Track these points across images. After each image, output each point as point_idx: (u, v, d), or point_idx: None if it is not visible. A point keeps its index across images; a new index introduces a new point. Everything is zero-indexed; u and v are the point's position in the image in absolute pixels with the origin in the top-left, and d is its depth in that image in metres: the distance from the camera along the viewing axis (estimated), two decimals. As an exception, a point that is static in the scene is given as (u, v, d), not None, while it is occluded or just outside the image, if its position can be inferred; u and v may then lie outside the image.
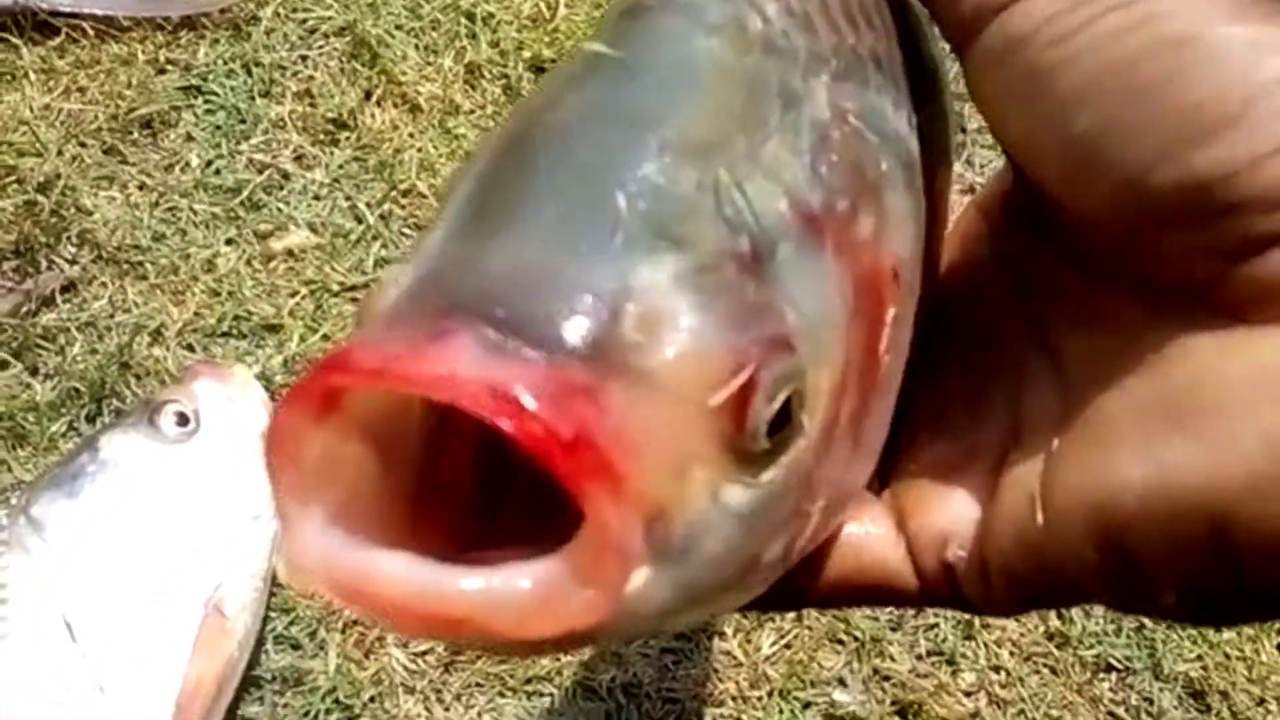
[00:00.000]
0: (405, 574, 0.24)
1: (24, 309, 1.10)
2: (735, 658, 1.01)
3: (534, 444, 0.23)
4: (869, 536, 0.33)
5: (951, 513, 0.32)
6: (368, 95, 1.22)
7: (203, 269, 1.14)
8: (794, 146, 0.28)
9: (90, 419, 1.07)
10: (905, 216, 0.31)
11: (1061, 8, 0.29)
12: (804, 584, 0.32)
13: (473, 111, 1.22)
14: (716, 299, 0.26)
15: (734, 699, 1.01)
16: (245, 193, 1.17)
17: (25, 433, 1.06)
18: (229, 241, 1.15)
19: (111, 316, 1.11)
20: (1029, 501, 0.30)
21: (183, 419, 1.00)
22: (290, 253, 1.15)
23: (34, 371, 1.09)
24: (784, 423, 0.26)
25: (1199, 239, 0.28)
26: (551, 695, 1.00)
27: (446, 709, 1.00)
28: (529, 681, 1.00)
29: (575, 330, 0.24)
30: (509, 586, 0.24)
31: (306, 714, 0.99)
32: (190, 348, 1.11)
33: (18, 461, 1.05)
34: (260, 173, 1.18)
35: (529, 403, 0.23)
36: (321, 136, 1.21)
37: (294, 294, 1.13)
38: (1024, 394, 0.33)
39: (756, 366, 0.25)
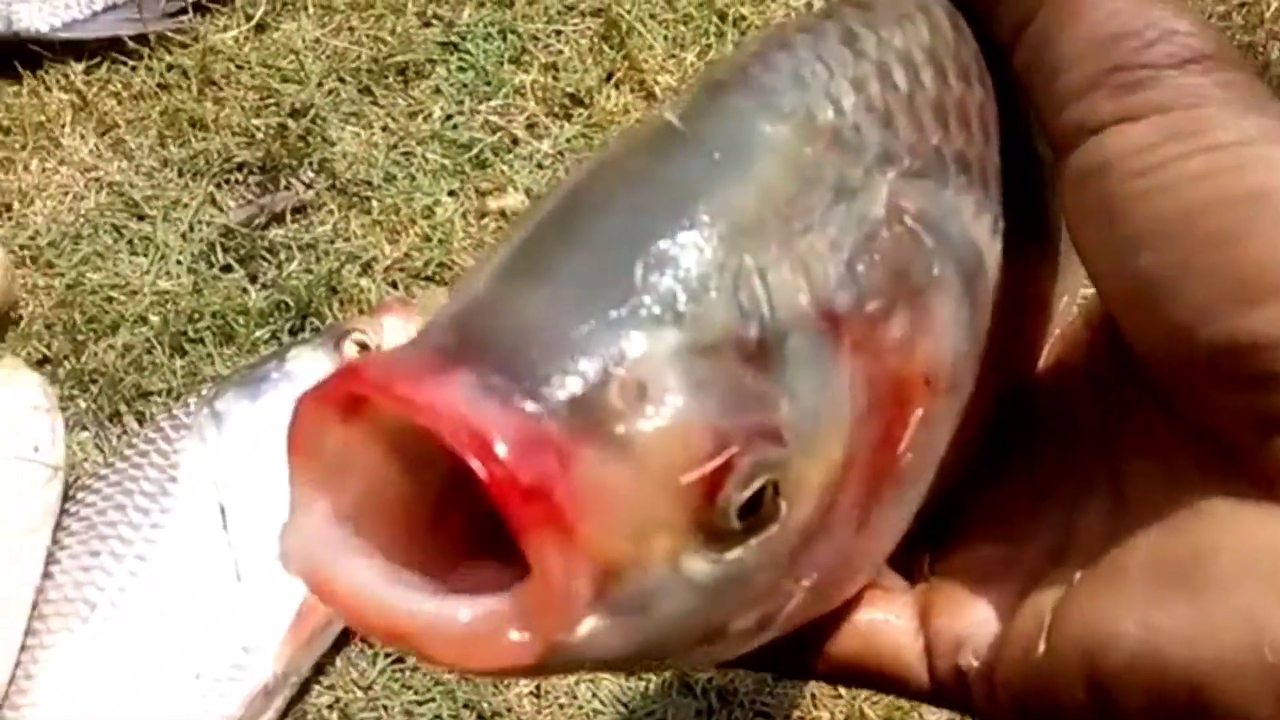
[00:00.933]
0: (366, 585, 0.26)
1: (256, 221, 1.19)
2: (837, 689, 1.01)
3: (494, 485, 0.24)
4: (889, 626, 0.33)
5: (974, 619, 0.32)
6: (608, 77, 1.27)
7: (421, 214, 1.20)
8: (834, 242, 0.29)
9: (292, 332, 1.15)
10: (952, 321, 0.31)
11: (1153, 140, 0.29)
12: (812, 657, 0.33)
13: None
14: (708, 381, 0.26)
15: (824, 727, 1.01)
16: (475, 150, 1.22)
17: (233, 333, 1.15)
18: (451, 193, 1.21)
19: (331, 243, 1.19)
20: (1039, 626, 0.30)
21: (363, 348, 1.06)
22: (503, 213, 1.20)
23: (253, 279, 1.17)
24: (757, 507, 0.27)
25: (1240, 402, 0.28)
26: (648, 680, 1.02)
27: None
28: (630, 661, 1.03)
29: (562, 388, 0.25)
30: (449, 617, 0.26)
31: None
32: (394, 284, 1.18)
33: (221, 358, 1.14)
34: (493, 134, 1.24)
35: (499, 447, 0.24)
36: (557, 109, 1.25)
37: (497, 252, 1.18)
38: (1080, 513, 0.33)
39: (734, 453, 0.26)
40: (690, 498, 0.26)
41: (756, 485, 0.27)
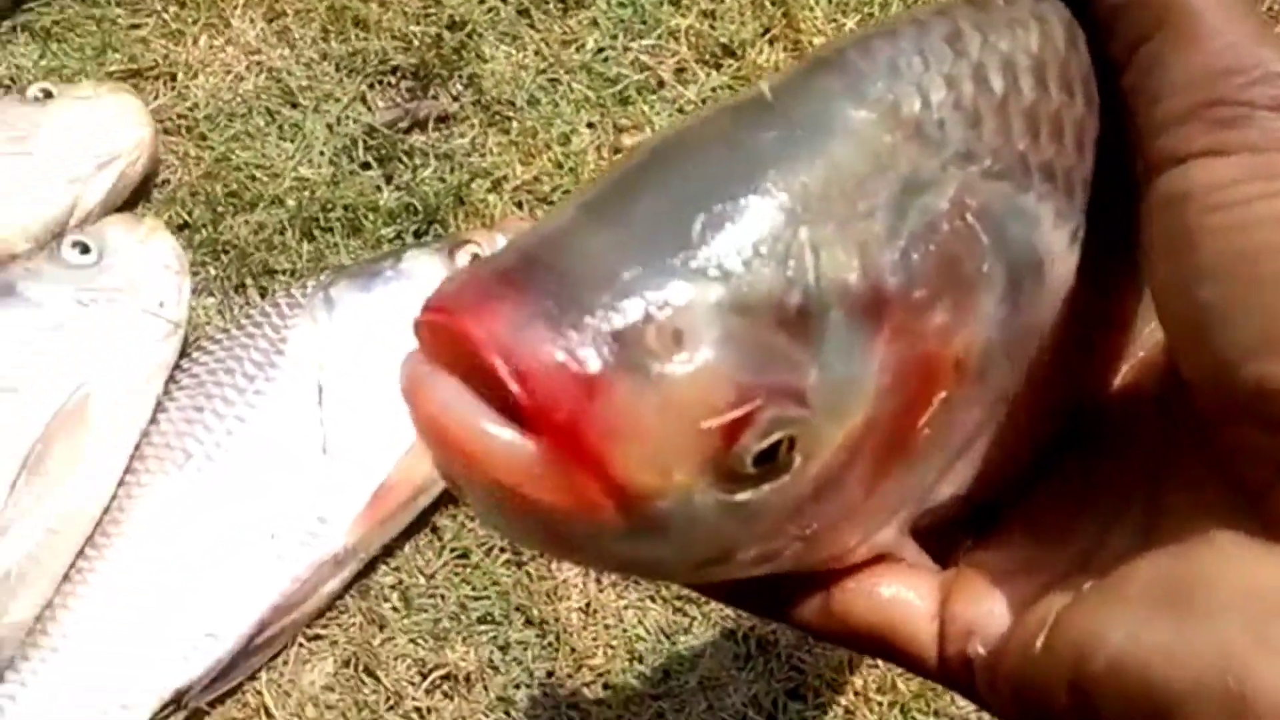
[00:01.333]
0: (454, 403, 0.28)
1: (400, 125, 1.23)
2: (873, 660, 1.02)
3: (527, 408, 0.27)
4: (909, 602, 0.35)
5: (990, 610, 0.34)
6: (765, 32, 1.28)
7: (558, 141, 1.23)
8: (893, 228, 0.30)
9: (416, 234, 1.20)
10: (991, 316, 0.32)
11: (1236, 177, 0.30)
12: (819, 616, 0.36)
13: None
14: (742, 338, 0.28)
15: (857, 694, 1.02)
16: (620, 86, 1.25)
17: (361, 227, 1.20)
18: (589, 125, 1.24)
19: (467, 155, 1.22)
20: (1042, 626, 0.32)
21: (475, 260, 1.10)
22: (636, 150, 1.23)
23: (387, 179, 1.22)
24: (772, 458, 0.29)
25: (1265, 442, 0.29)
26: (694, 619, 1.05)
27: (601, 590, 1.06)
28: (679, 598, 1.05)
29: (604, 323, 0.28)
30: (517, 446, 0.28)
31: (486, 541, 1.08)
32: (520, 205, 1.21)
33: (346, 249, 1.19)
34: (641, 73, 1.26)
35: (533, 371, 0.27)
36: (707, 57, 1.27)
37: (622, 186, 1.20)
38: (1114, 529, 0.34)
39: (755, 407, 0.28)
40: (708, 441, 0.28)
41: (774, 439, 0.29)
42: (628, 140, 1.24)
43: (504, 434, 0.28)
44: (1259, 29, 0.31)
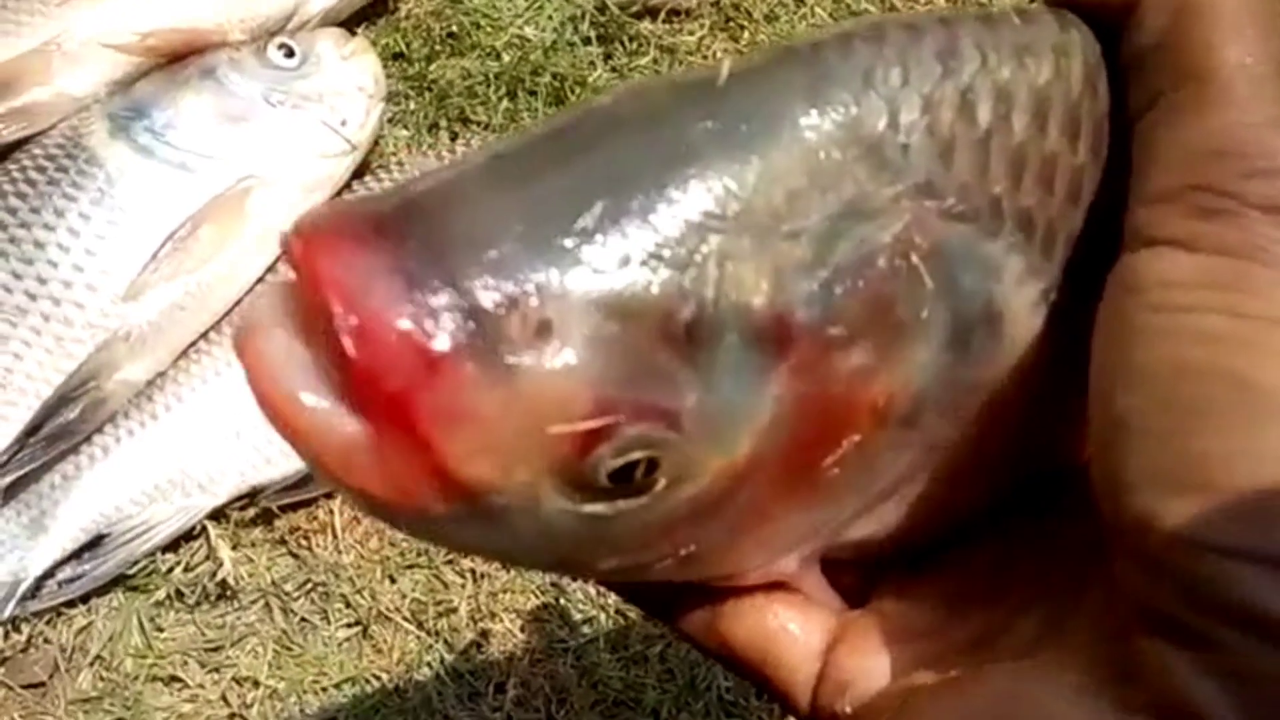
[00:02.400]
0: (287, 367, 0.25)
1: (633, 7, 1.22)
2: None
3: (358, 372, 0.24)
4: (794, 640, 0.32)
5: (870, 668, 0.32)
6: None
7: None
8: (820, 255, 0.27)
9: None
10: (925, 366, 0.28)
11: (1192, 279, 0.26)
12: (702, 631, 0.33)
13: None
14: (616, 345, 0.25)
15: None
16: (863, 22, 1.20)
17: (564, 99, 1.19)
18: None
19: (690, 53, 1.20)
20: (894, 703, 0.30)
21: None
22: None
23: (605, 58, 1.21)
24: (629, 477, 0.26)
25: (1131, 579, 0.26)
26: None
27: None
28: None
29: (466, 297, 0.25)
30: (335, 427, 0.25)
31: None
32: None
33: (544, 116, 1.19)
34: (888, 12, 1.20)
35: (375, 336, 0.24)
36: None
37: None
38: (1028, 613, 0.31)
39: (615, 421, 0.25)
40: (556, 447, 0.25)
41: (632, 457, 0.26)
42: None
43: (325, 410, 0.25)
44: None
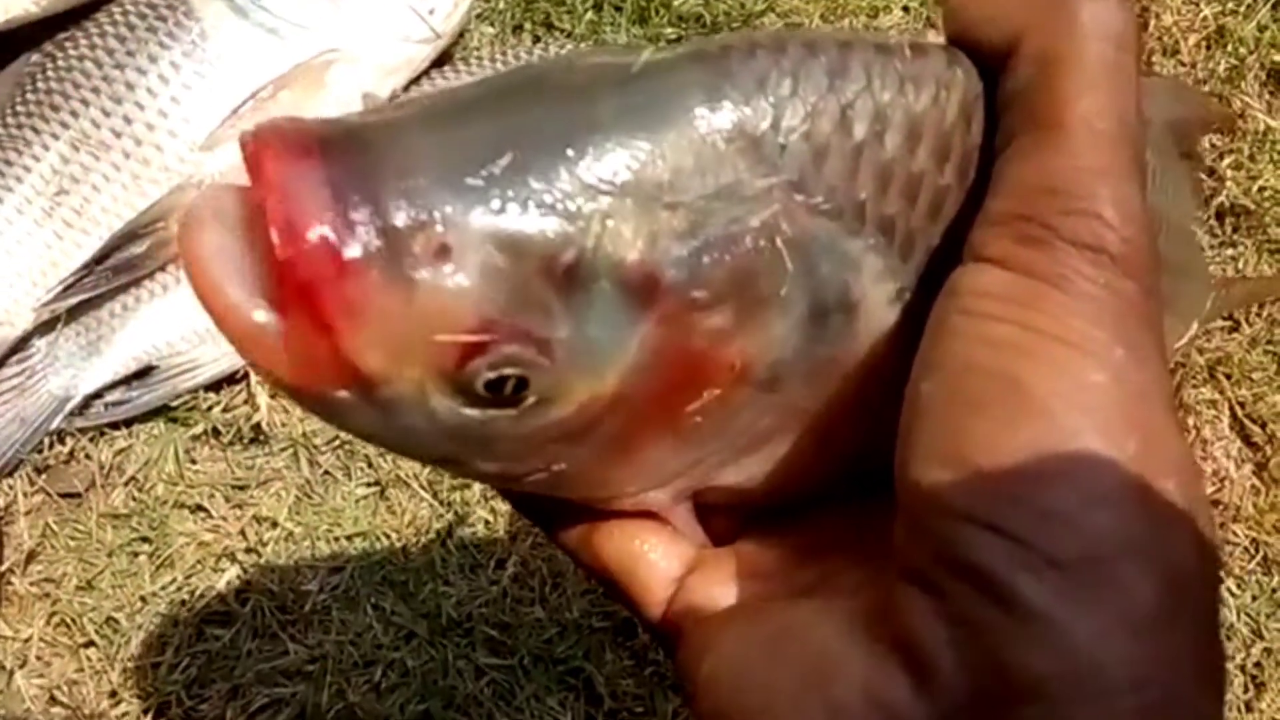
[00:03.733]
0: (218, 254, 0.29)
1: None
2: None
3: (281, 259, 0.28)
4: (654, 564, 0.37)
5: (713, 595, 0.36)
6: None
7: (867, 10, 1.21)
8: (694, 226, 0.30)
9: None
10: (784, 338, 0.32)
11: (997, 292, 0.30)
12: (577, 543, 0.38)
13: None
14: (503, 275, 0.29)
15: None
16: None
17: (649, 19, 1.23)
18: (905, 8, 1.22)
19: (774, -10, 1.23)
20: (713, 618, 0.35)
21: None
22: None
23: (691, -16, 1.24)
24: (500, 389, 0.31)
25: (901, 539, 0.31)
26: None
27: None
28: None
29: (381, 215, 0.29)
30: (248, 312, 0.29)
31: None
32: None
33: (627, 32, 1.22)
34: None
35: (299, 231, 0.28)
36: None
37: None
38: (852, 569, 0.35)
39: (490, 339, 0.30)
40: (441, 352, 0.30)
41: (505, 373, 0.30)
42: (931, 35, 1.20)
43: (247, 299, 0.29)
44: (1112, 164, 0.30)
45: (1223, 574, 1.07)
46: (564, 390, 0.31)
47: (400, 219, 0.29)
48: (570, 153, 0.30)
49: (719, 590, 0.36)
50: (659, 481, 0.36)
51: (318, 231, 0.28)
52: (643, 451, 0.34)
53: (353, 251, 0.29)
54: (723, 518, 0.38)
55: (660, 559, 0.37)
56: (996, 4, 0.32)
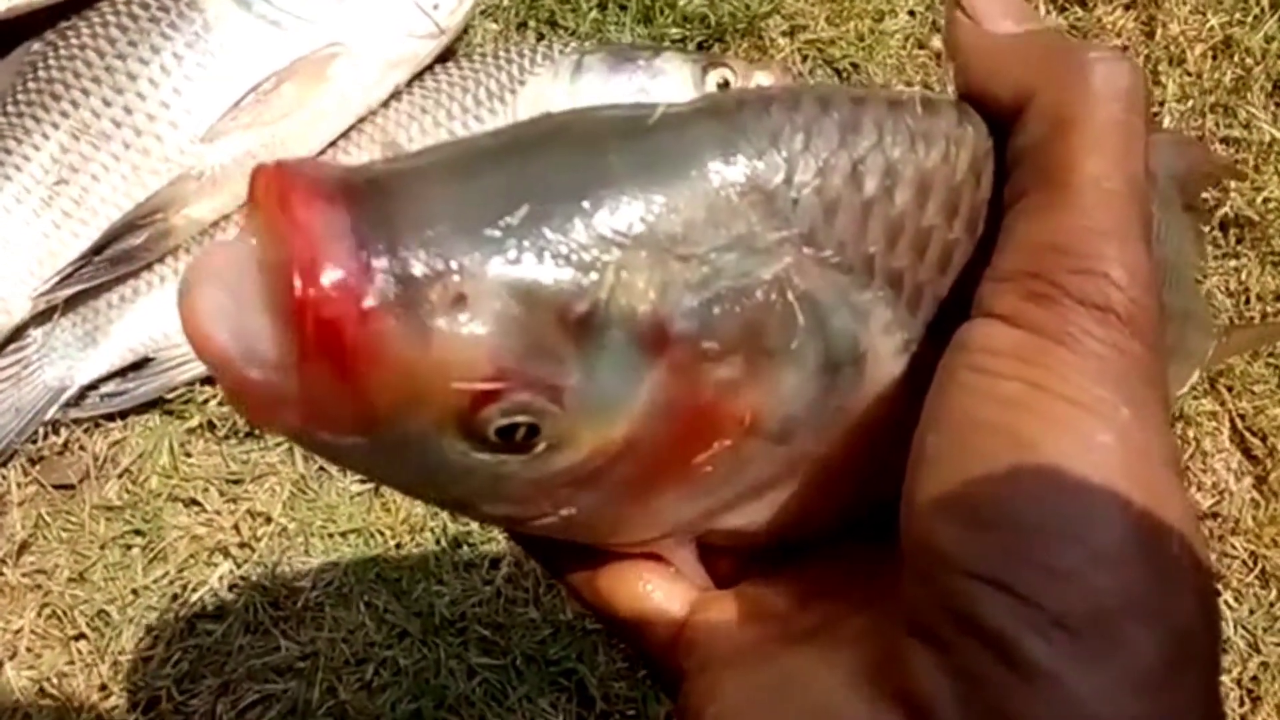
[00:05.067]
0: (216, 302, 0.29)
1: (733, -61, 1.24)
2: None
3: (299, 304, 0.28)
4: (661, 606, 0.37)
5: (717, 638, 0.36)
6: (1130, 5, 1.21)
7: (873, 15, 1.21)
8: (706, 278, 0.31)
9: (700, 45, 1.21)
10: (794, 391, 0.33)
11: (1005, 349, 0.30)
12: (585, 586, 0.38)
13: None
14: (518, 323, 0.30)
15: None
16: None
17: (653, 19, 1.22)
18: (910, 12, 1.22)
19: (780, -8, 1.22)
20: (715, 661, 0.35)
21: (724, 86, 1.11)
22: (936, 55, 1.19)
23: (697, -15, 1.24)
24: (512, 435, 0.31)
25: (911, 593, 0.30)
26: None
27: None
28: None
29: (400, 265, 0.29)
30: (243, 364, 0.29)
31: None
32: (804, 58, 1.20)
33: (631, 31, 1.22)
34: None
35: (318, 277, 0.28)
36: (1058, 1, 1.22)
37: None
38: (854, 617, 0.35)
39: (504, 387, 0.30)
40: (455, 398, 0.30)
41: (517, 419, 0.30)
42: (936, 42, 1.20)
43: (251, 351, 0.29)
44: (1120, 224, 0.30)
45: (1220, 587, 1.06)
46: (574, 437, 0.31)
47: (419, 268, 0.29)
48: (585, 205, 0.30)
49: (721, 633, 0.36)
50: (667, 528, 0.36)
51: (341, 276, 0.29)
52: (651, 499, 0.34)
53: (373, 298, 0.29)
54: (726, 559, 0.38)
55: (664, 600, 0.37)
56: (1007, 62, 0.33)
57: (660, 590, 0.37)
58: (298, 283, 0.28)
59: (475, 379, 0.30)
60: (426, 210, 0.30)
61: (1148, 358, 0.30)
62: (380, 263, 0.29)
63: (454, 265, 0.29)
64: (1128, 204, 0.30)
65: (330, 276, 0.28)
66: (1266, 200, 1.17)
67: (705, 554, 0.38)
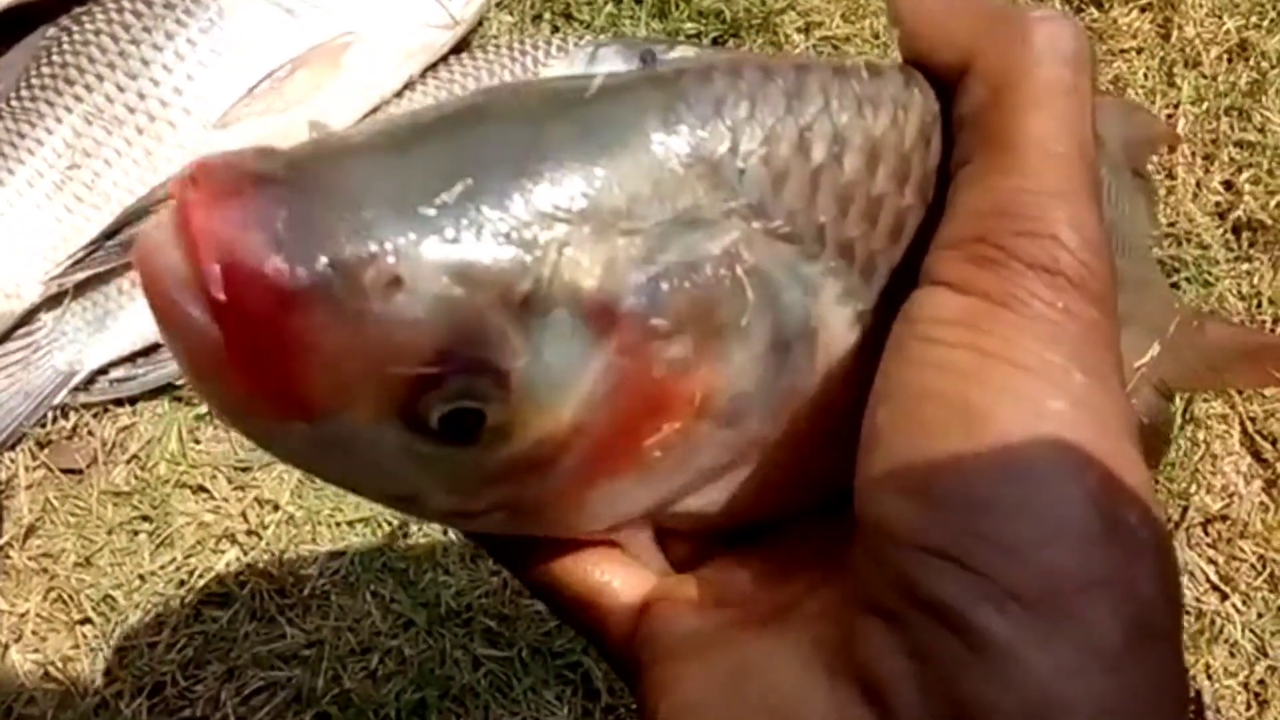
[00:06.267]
0: (175, 274, 0.27)
1: (749, -66, 1.24)
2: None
3: (220, 302, 0.27)
4: (617, 595, 0.36)
5: (676, 625, 0.35)
6: (1146, 8, 1.21)
7: (881, 10, 1.21)
8: (650, 253, 0.29)
9: (715, 40, 1.21)
10: (744, 369, 0.31)
11: (953, 318, 0.29)
12: (539, 576, 0.37)
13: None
14: (457, 305, 0.28)
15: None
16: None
17: (668, 13, 1.22)
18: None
19: (795, -12, 1.22)
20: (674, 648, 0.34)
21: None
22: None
23: (712, -20, 1.23)
24: (457, 423, 0.29)
25: (862, 569, 0.30)
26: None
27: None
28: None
29: (329, 247, 0.27)
30: (210, 338, 0.28)
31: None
32: (817, 51, 1.20)
33: (645, 25, 1.22)
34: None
35: (239, 269, 0.27)
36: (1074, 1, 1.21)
37: None
38: (815, 594, 0.34)
39: (444, 371, 0.28)
40: (393, 386, 0.29)
41: (461, 405, 0.29)
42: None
43: (201, 326, 0.28)
44: (1068, 187, 0.29)
45: (1229, 590, 1.06)
46: (521, 423, 0.30)
47: (349, 251, 0.27)
48: (525, 179, 0.29)
49: (680, 620, 0.35)
50: (619, 516, 0.35)
51: (265, 269, 0.27)
52: (601, 486, 0.32)
53: (300, 286, 0.27)
54: (684, 542, 0.37)
55: (620, 587, 0.36)
56: (950, 26, 0.32)
57: (616, 578, 0.36)
58: (216, 280, 0.27)
59: (414, 364, 0.28)
60: (355, 190, 0.28)
61: (1102, 322, 0.29)
62: (307, 247, 0.27)
63: (387, 247, 0.28)
64: (1075, 166, 0.30)
65: (254, 269, 0.27)
66: (1280, 204, 1.17)
67: (663, 537, 0.37)
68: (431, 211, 0.28)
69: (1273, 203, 1.17)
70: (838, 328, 0.32)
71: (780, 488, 0.35)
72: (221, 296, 0.27)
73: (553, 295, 0.29)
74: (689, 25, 1.21)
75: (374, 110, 1.13)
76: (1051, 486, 0.28)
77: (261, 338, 0.28)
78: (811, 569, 0.34)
